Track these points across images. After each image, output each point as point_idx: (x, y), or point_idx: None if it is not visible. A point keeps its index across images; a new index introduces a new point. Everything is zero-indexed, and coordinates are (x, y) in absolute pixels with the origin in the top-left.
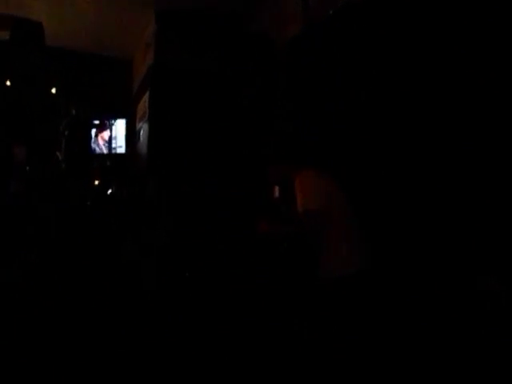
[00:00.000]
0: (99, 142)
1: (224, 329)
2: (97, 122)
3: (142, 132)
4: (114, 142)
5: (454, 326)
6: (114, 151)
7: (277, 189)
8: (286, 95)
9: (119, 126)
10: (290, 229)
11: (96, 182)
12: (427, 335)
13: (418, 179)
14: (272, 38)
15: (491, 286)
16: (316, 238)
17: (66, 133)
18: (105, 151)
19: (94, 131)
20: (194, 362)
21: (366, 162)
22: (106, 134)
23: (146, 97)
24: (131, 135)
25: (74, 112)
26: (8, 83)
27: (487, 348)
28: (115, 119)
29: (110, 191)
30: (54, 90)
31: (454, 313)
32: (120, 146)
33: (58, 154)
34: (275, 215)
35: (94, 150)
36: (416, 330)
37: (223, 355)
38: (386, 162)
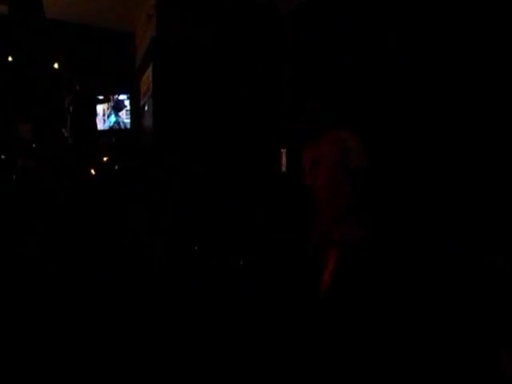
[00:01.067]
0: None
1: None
2: (101, 97)
3: (146, 107)
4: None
5: (461, 302)
6: (120, 126)
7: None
8: (292, 65)
9: (123, 101)
10: None
11: (104, 159)
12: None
13: (428, 161)
14: (278, 5)
15: (497, 264)
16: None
17: (71, 109)
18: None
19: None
20: (200, 341)
21: (374, 131)
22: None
23: (149, 70)
24: (136, 110)
25: (77, 87)
26: (10, 59)
27: (492, 321)
28: (119, 94)
29: (116, 167)
30: (56, 65)
31: (462, 288)
32: (125, 121)
33: (63, 130)
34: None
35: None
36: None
37: (231, 329)
38: (395, 135)
